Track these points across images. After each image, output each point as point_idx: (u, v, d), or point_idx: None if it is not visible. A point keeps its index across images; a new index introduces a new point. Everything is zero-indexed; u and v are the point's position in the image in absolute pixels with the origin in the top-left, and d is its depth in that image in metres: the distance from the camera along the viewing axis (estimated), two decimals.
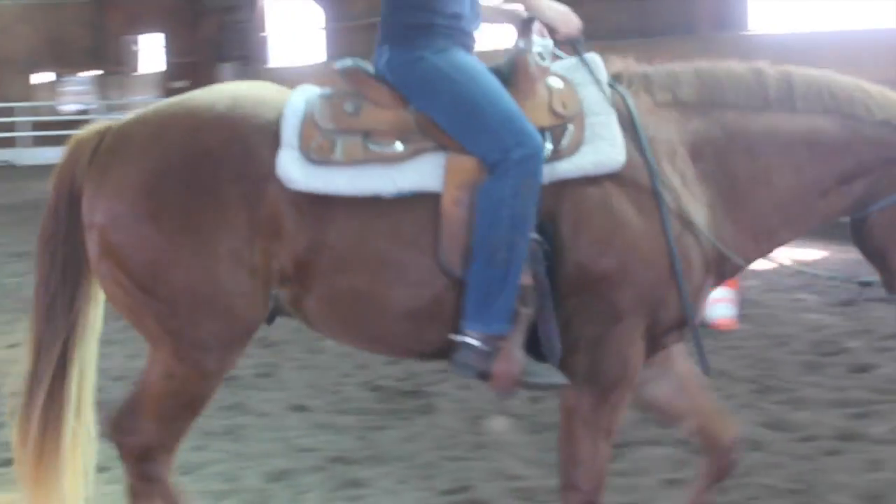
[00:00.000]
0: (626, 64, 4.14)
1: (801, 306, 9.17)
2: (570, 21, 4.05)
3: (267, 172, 3.76)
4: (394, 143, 3.80)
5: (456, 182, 3.76)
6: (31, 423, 4.00)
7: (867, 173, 4.05)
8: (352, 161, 3.77)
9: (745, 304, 8.76)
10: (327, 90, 3.99)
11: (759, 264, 9.81)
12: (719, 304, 8.25)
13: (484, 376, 3.78)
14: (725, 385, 6.72)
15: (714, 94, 4.05)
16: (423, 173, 3.78)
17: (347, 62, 4.03)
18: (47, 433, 4.00)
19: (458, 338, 3.75)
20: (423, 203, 3.77)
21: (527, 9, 4.05)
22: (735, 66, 4.12)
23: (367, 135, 3.80)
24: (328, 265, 3.77)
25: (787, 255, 9.64)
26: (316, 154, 3.76)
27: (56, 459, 4.02)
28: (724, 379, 6.85)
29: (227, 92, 4.06)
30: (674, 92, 4.05)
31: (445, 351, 3.84)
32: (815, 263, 10.60)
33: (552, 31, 4.06)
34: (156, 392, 3.91)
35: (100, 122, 4.12)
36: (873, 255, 4.11)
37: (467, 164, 3.78)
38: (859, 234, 4.12)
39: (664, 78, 4.08)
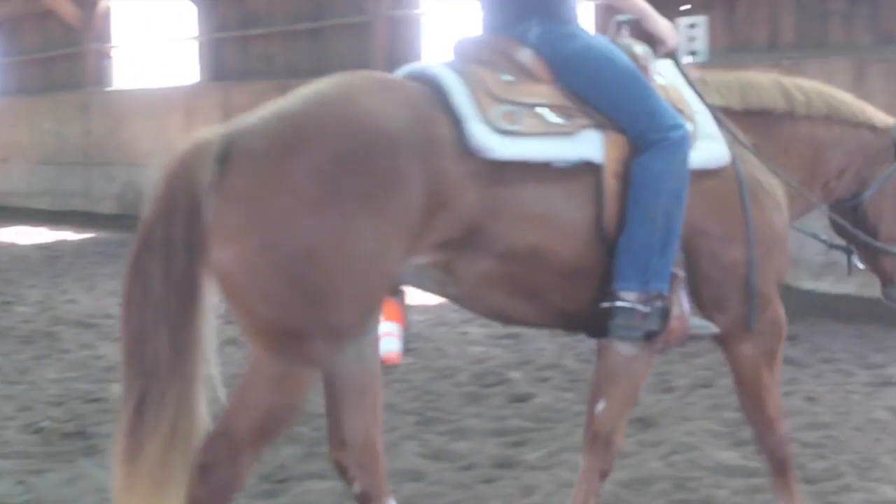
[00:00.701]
0: (689, 71, 4.63)
1: (467, 339, 9.43)
2: (675, 35, 4.56)
3: (448, 146, 3.84)
4: (561, 116, 4.10)
5: (614, 156, 4.11)
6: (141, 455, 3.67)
7: (852, 167, 4.96)
8: (535, 132, 4.01)
9: (412, 339, 8.96)
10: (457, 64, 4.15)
11: (430, 299, 9.94)
12: (386, 339, 8.42)
13: (649, 335, 4.17)
14: (390, 418, 6.85)
15: (755, 103, 4.71)
16: (589, 146, 4.09)
17: (493, 35, 4.34)
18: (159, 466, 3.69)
19: (615, 303, 4.09)
20: (583, 171, 4.07)
21: (641, 15, 4.53)
22: (760, 77, 4.82)
23: (536, 106, 4.07)
24: (507, 225, 3.93)
25: None
26: (505, 124, 3.94)
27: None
28: (388, 412, 6.99)
29: (364, 78, 4.04)
30: (730, 100, 4.66)
31: (581, 320, 4.22)
32: None
33: (657, 41, 4.54)
34: (264, 405, 3.70)
35: (205, 130, 3.82)
36: (861, 232, 5.02)
37: (621, 140, 4.14)
38: (849, 217, 5.04)
39: (720, 87, 4.67)
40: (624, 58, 4.31)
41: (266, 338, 3.71)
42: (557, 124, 4.06)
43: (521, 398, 7.40)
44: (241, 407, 3.74)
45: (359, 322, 3.79)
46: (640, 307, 4.09)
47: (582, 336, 4.38)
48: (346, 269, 3.64)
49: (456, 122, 3.90)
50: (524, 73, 4.18)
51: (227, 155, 3.69)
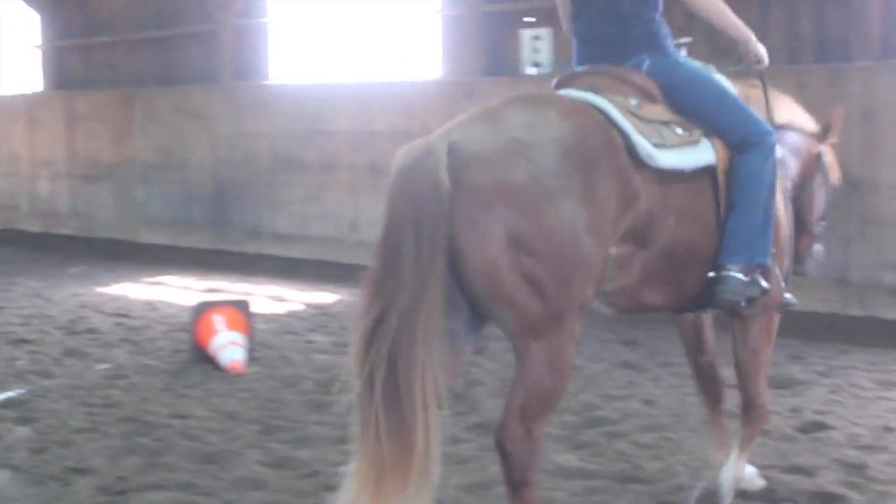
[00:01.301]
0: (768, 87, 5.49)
1: (313, 347, 9.41)
2: (767, 59, 5.32)
3: (624, 151, 4.50)
4: (684, 129, 4.81)
5: (722, 158, 4.88)
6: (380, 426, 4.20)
7: (804, 171, 5.81)
8: (673, 144, 4.70)
9: (258, 348, 8.96)
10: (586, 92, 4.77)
11: (274, 308, 9.93)
12: (230, 349, 8.38)
13: (750, 300, 4.94)
14: (232, 427, 6.85)
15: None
16: (707, 151, 4.84)
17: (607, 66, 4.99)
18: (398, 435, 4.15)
19: (722, 273, 4.85)
20: (703, 173, 4.82)
21: (746, 39, 5.26)
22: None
23: (666, 123, 4.76)
24: (672, 221, 4.65)
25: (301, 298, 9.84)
26: (654, 138, 4.62)
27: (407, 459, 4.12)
28: (231, 421, 6.99)
29: (535, 92, 5.02)
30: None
31: (690, 300, 4.99)
32: (328, 306, 10.97)
33: (755, 60, 5.32)
34: (545, 386, 4.28)
35: (421, 140, 4.24)
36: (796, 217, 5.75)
37: (721, 143, 4.91)
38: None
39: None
40: (717, 79, 5.14)
41: (534, 328, 4.23)
42: (685, 136, 4.79)
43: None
44: (524, 393, 4.27)
45: (595, 294, 4.42)
46: (743, 277, 4.85)
47: None
48: (581, 252, 4.23)
49: (622, 133, 4.55)
50: (643, 94, 4.87)
51: (458, 160, 4.16)
